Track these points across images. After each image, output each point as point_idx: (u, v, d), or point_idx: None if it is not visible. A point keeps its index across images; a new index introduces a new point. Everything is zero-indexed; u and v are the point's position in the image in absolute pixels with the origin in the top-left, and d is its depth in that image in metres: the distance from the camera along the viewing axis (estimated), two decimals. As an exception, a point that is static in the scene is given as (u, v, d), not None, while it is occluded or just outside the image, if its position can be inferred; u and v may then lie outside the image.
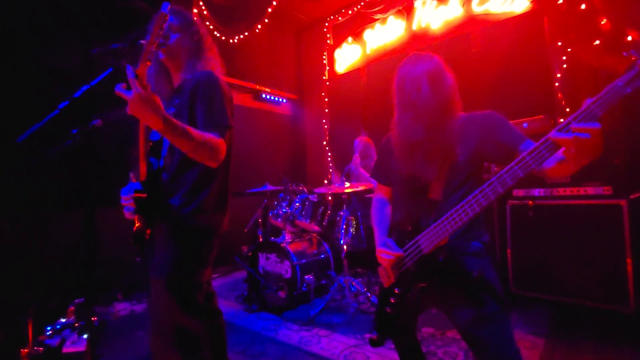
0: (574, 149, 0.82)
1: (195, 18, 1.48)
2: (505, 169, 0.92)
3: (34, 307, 2.20)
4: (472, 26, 3.95)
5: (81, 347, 2.20)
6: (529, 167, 0.88)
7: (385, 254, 1.23)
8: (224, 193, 1.42)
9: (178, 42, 1.37)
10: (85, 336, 2.26)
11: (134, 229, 1.24)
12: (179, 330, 1.26)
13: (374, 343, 1.30)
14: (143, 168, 1.23)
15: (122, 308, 3.07)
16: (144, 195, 1.21)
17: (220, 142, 1.22)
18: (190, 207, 1.28)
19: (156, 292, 1.28)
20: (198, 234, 1.31)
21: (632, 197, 2.24)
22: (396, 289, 1.23)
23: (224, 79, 1.38)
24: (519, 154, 0.93)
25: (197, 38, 1.42)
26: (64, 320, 2.40)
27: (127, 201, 1.22)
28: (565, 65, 3.11)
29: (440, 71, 1.18)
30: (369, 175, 3.69)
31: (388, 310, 1.25)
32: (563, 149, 0.85)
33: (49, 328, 2.32)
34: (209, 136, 1.18)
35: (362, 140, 3.83)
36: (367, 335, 1.33)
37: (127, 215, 1.25)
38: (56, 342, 2.20)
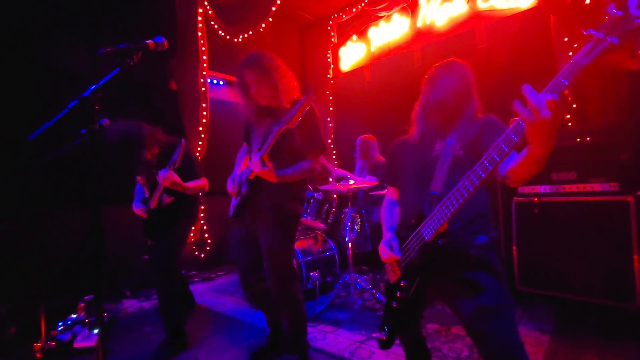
0: (533, 119, 0.84)
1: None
2: (485, 154, 0.99)
3: (46, 303, 2.26)
4: (477, 22, 3.93)
5: (91, 342, 2.26)
6: (503, 150, 0.95)
7: (383, 252, 1.31)
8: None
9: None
10: (95, 331, 2.31)
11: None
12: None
13: (383, 344, 1.29)
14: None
15: (130, 305, 3.13)
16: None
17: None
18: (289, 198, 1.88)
19: (279, 255, 1.85)
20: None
21: (639, 193, 2.22)
22: (402, 282, 1.25)
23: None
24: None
25: None
26: (74, 316, 2.46)
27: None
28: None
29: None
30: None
31: (395, 305, 1.26)
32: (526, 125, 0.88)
33: (60, 323, 2.38)
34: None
35: (362, 139, 3.79)
36: (376, 335, 1.34)
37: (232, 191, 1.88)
38: (67, 337, 2.26)
